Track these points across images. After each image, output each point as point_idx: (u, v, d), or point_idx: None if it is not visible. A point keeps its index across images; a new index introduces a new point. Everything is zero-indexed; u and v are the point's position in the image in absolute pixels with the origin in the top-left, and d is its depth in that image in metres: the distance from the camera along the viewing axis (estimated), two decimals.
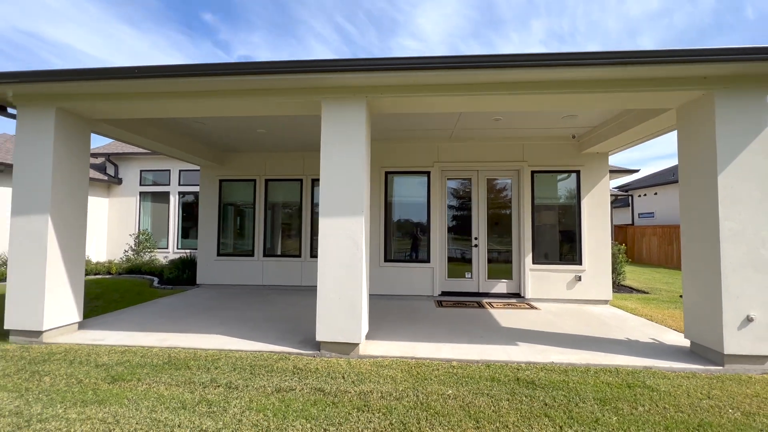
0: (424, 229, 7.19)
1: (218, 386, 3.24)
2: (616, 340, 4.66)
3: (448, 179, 7.30)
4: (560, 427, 2.60)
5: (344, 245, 4.12)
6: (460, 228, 7.30)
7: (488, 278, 7.13)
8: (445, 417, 2.73)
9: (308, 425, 2.62)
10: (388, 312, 6.01)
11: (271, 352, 4.14)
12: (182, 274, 8.83)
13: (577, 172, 6.89)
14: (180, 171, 13.03)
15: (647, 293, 8.22)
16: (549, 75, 3.90)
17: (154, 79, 4.14)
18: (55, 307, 4.58)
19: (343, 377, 3.46)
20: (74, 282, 4.83)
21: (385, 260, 7.18)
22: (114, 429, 2.57)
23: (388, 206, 7.29)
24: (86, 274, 9.85)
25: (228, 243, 8.62)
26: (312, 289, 8.02)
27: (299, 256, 8.23)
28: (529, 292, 6.86)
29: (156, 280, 9.24)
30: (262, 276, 8.27)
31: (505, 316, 5.74)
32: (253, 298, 7.18)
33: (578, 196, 6.88)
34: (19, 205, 4.54)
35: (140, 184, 13.18)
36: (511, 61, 3.72)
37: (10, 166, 10.00)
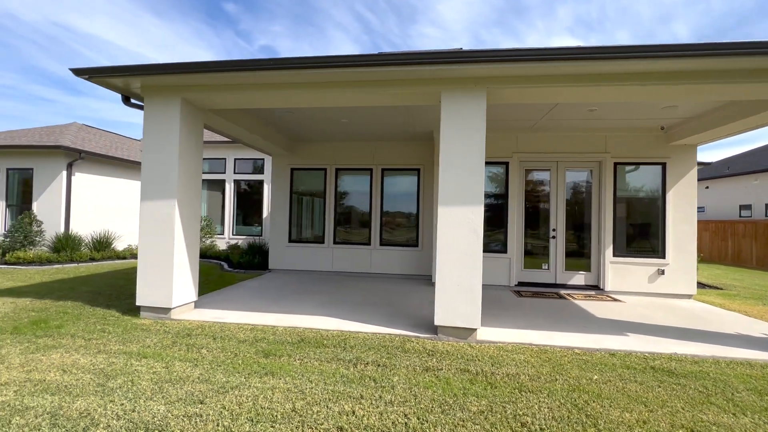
0: (502, 219, 7.23)
1: (367, 364, 3.43)
2: (725, 333, 4.64)
3: (526, 170, 7.28)
4: (734, 414, 2.66)
5: (463, 234, 4.23)
6: (537, 219, 7.30)
7: (565, 270, 7.14)
8: (610, 400, 2.84)
9: (483, 402, 2.77)
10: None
11: (391, 334, 4.32)
12: (253, 259, 9.18)
13: (663, 165, 6.76)
14: (235, 159, 13.40)
15: (721, 289, 8.06)
16: (676, 65, 3.86)
17: (279, 71, 4.30)
18: (180, 286, 4.90)
19: (478, 359, 3.60)
20: (192, 263, 5.14)
21: None
22: (303, 397, 2.78)
23: None
24: None
25: (299, 230, 8.88)
26: (380, 276, 8.22)
27: (368, 243, 8.42)
28: (609, 285, 6.84)
29: (225, 264, 9.63)
30: (332, 262, 8.51)
31: (595, 308, 5.77)
32: (331, 283, 7.43)
33: (663, 189, 6.76)
34: (149, 191, 4.83)
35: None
36: (644, 51, 3.69)
37: (125, 160, 10.58)
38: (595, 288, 7.00)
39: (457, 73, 4.18)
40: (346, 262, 8.47)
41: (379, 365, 3.42)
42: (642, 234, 6.89)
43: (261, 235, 13.00)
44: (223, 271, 8.88)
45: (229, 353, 3.61)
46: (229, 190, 13.41)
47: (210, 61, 4.33)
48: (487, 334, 4.38)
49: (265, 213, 13.10)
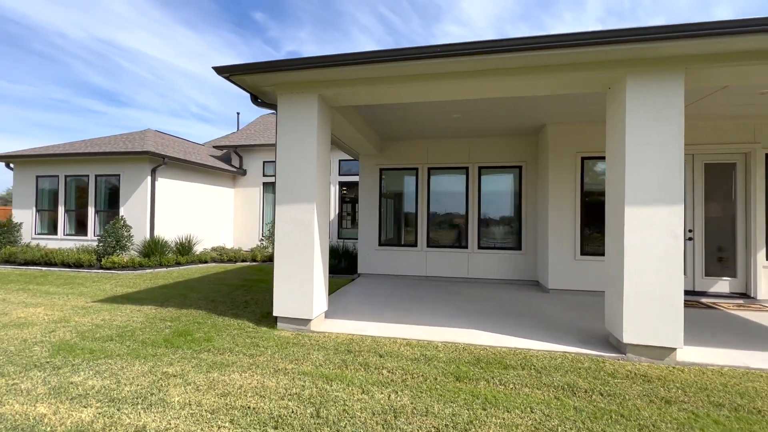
0: None
1: (586, 391, 2.94)
2: None
3: None
4: None
5: (659, 237, 3.65)
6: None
7: (705, 276, 6.36)
8: None
9: None
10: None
11: (567, 352, 3.80)
12: (339, 263, 8.89)
13: None
14: (340, 161, 13.27)
15: None
16: None
17: (427, 60, 3.85)
18: (318, 295, 4.59)
19: (716, 390, 3.02)
20: (324, 270, 4.82)
21: (581, 254, 6.64)
22: None
23: (584, 195, 6.71)
24: (234, 261, 10.30)
25: (389, 233, 8.52)
26: (479, 281, 7.70)
27: (465, 247, 7.92)
28: (762, 292, 6.01)
29: None
30: (425, 266, 8.08)
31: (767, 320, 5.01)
32: (433, 289, 6.99)
33: None
34: (286, 194, 4.55)
35: (263, 175, 13.61)
36: None
37: (200, 164, 10.71)
38: (744, 296, 6.18)
39: (650, 52, 3.61)
40: (440, 267, 8.01)
41: (602, 394, 2.91)
42: None
43: (356, 238, 12.76)
44: None
45: (415, 376, 3.21)
46: (333, 192, 13.28)
47: (357, 53, 3.96)
48: (687, 354, 3.77)
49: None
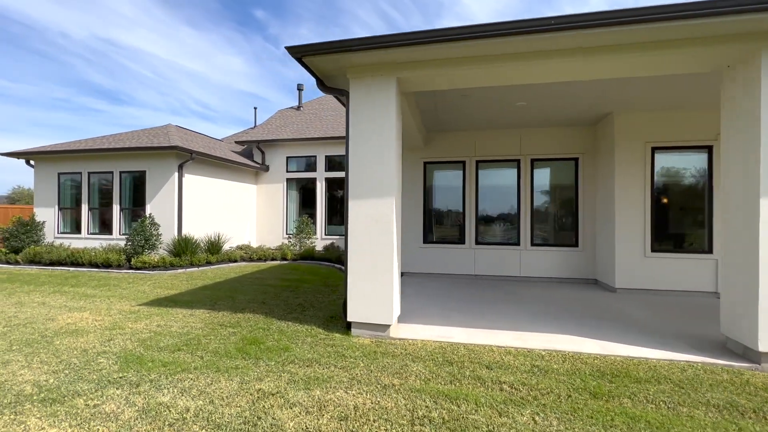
0: (702, 215, 6.13)
1: (755, 412, 2.53)
2: None
3: None
4: None
5: None
6: None
7: None
8: None
9: None
10: (704, 312, 5.10)
11: (690, 361, 3.40)
12: None
13: None
14: (326, 157, 12.85)
15: None
16: None
17: (538, 35, 3.43)
18: (396, 299, 4.19)
19: None
20: (398, 270, 4.42)
21: (652, 251, 6.22)
22: None
23: (656, 190, 6.28)
24: (264, 260, 9.91)
25: (433, 230, 8.11)
26: (531, 280, 7.29)
27: (517, 243, 7.51)
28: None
29: (342, 267, 9.01)
30: (473, 265, 7.67)
31: None
32: (489, 288, 6.58)
33: None
34: (360, 188, 4.14)
35: (286, 171, 13.21)
36: None
37: (226, 160, 10.35)
38: None
39: None
40: (489, 265, 7.60)
41: (751, 412, 2.51)
42: None
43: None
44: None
45: (544, 392, 2.81)
46: (320, 188, 12.88)
47: (449, 29, 3.53)
48: None
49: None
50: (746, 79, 3.49)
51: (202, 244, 9.53)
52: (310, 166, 13.09)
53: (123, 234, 9.90)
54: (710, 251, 6.06)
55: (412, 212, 8.03)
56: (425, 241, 7.97)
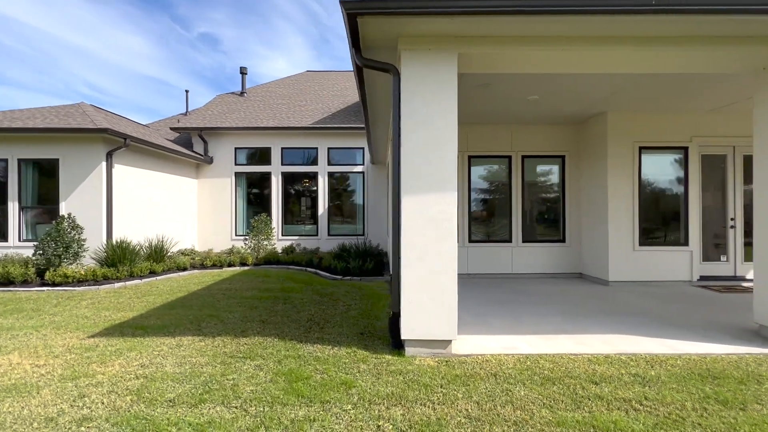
0: (679, 210, 6.67)
1: None
2: None
3: (702, 155, 6.74)
4: None
5: None
6: (714, 208, 6.82)
7: (745, 261, 6.76)
8: None
9: None
10: (702, 302, 5.49)
11: (752, 353, 3.48)
12: (364, 264, 7.79)
13: None
14: (282, 149, 11.65)
15: None
16: None
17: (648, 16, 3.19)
18: (456, 310, 3.65)
19: None
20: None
21: (640, 244, 6.59)
22: None
23: (642, 187, 6.66)
24: (218, 266, 8.56)
25: None
26: (523, 276, 7.33)
27: (509, 240, 7.47)
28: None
29: (321, 272, 8.12)
30: (467, 264, 7.43)
31: None
32: (492, 288, 6.38)
33: None
34: (414, 183, 3.50)
35: (235, 164, 11.66)
36: None
37: (169, 149, 8.35)
38: None
39: None
40: (482, 263, 7.43)
41: None
42: None
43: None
44: (332, 280, 7.42)
45: (668, 405, 2.54)
46: (276, 184, 11.64)
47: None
48: None
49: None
50: None
51: (142, 251, 7.79)
52: (264, 158, 11.74)
53: (25, 240, 7.66)
54: (686, 244, 6.63)
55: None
56: None
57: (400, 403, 2.59)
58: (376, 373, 3.08)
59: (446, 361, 3.34)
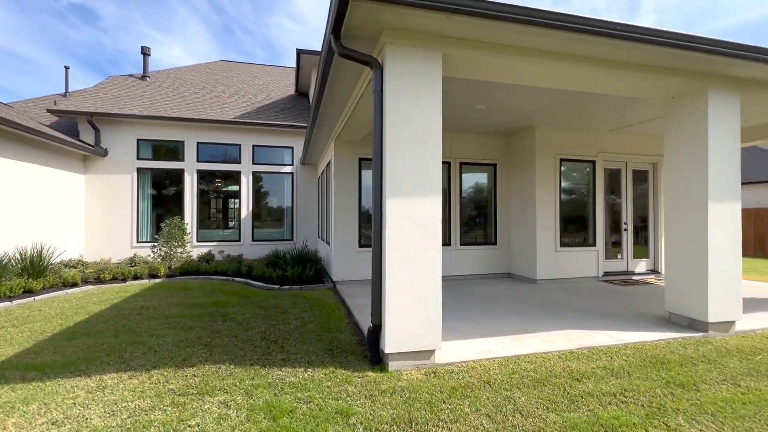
0: (588, 215, 7.66)
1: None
2: None
3: (605, 168, 7.85)
4: None
5: (729, 228, 4.31)
6: (611, 214, 7.98)
7: (633, 258, 8.05)
8: None
9: None
10: (613, 295, 6.34)
11: (673, 338, 4.08)
12: (304, 271, 7.25)
13: None
14: (198, 144, 10.34)
15: None
16: None
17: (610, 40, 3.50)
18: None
19: None
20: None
21: (561, 246, 7.38)
22: None
23: (561, 192, 7.47)
24: (120, 280, 7.22)
25: (367, 232, 7.46)
26: (461, 278, 7.66)
27: (449, 244, 7.71)
28: (664, 268, 8.05)
29: (256, 281, 7.32)
30: None
31: None
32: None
33: None
34: (399, 185, 3.31)
35: (138, 158, 9.94)
36: None
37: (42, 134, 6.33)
38: (654, 272, 8.12)
39: (742, 71, 4.15)
40: None
41: None
42: None
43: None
44: (269, 290, 6.73)
45: (645, 394, 2.80)
46: (191, 183, 10.26)
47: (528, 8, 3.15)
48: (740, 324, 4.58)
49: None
50: (691, 109, 4.43)
51: (11, 264, 6.02)
52: (175, 153, 10.25)
53: None
54: (594, 245, 7.65)
55: (347, 213, 7.19)
56: (360, 244, 7.26)
57: (412, 428, 2.35)
58: (368, 395, 2.78)
59: (434, 372, 3.19)
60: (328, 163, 7.97)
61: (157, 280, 7.39)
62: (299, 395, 2.76)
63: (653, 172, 8.23)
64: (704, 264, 4.26)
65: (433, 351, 3.39)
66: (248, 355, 3.55)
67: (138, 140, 9.91)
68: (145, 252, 9.36)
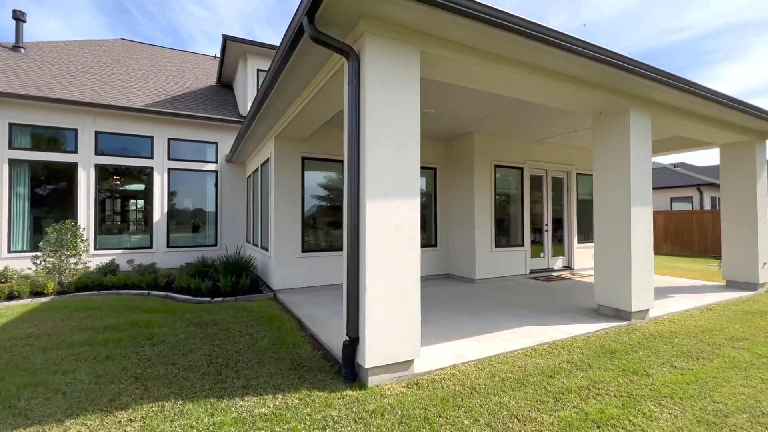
0: (518, 218, 8.29)
1: (700, 350, 3.71)
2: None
3: (530, 175, 8.57)
4: None
5: (647, 229, 4.98)
6: (534, 217, 8.75)
7: (552, 256, 8.94)
8: None
9: None
10: (543, 291, 6.92)
11: (609, 327, 4.55)
12: (239, 281, 6.51)
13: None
14: (97, 133, 8.72)
15: None
16: None
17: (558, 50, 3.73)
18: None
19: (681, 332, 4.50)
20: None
21: (496, 246, 7.84)
22: None
23: (496, 199, 7.94)
24: None
25: (312, 236, 7.01)
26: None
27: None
28: (576, 265, 9.10)
29: (180, 295, 6.34)
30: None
31: None
32: None
33: None
34: (379, 185, 3.10)
35: (10, 146, 7.98)
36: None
37: None
38: (568, 268, 9.13)
39: (658, 95, 4.83)
40: None
41: (699, 340, 3.76)
42: (589, 225, 9.49)
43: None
44: (199, 304, 5.88)
45: (610, 383, 3.03)
46: (86, 180, 8.58)
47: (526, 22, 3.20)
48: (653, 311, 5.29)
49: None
50: (616, 124, 5.02)
51: None
52: (65, 143, 8.47)
53: None
54: (523, 245, 8.30)
55: (289, 216, 6.67)
56: (303, 250, 6.79)
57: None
58: (356, 418, 2.51)
59: (416, 384, 3.04)
60: (265, 162, 7.33)
61: (45, 300, 5.95)
62: (277, 429, 2.37)
63: (567, 179, 9.27)
64: (628, 260, 4.85)
65: (412, 361, 3.23)
66: (197, 385, 2.97)
67: (11, 125, 7.94)
68: (23, 264, 7.52)
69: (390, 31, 3.12)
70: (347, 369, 3.13)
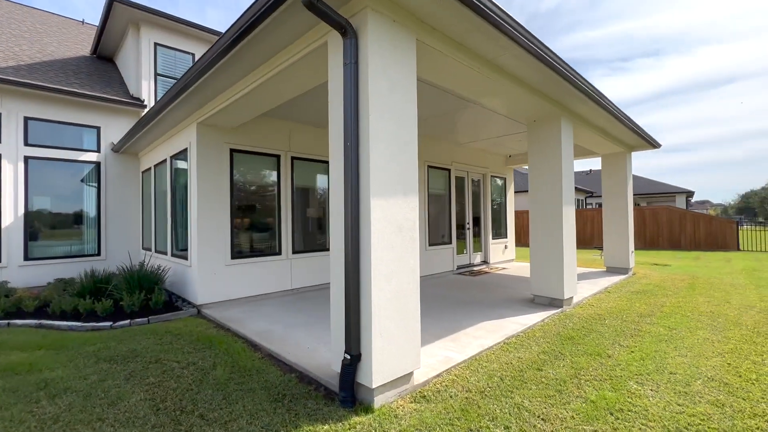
0: (445, 216, 8.66)
1: (614, 328, 4.30)
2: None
3: (456, 176, 9.03)
4: None
5: (571, 226, 5.66)
6: (458, 215, 9.27)
7: (473, 252, 9.60)
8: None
9: None
10: (475, 286, 7.35)
11: (549, 315, 5.03)
12: (151, 297, 5.27)
13: (504, 179, 10.65)
14: (27, 119, 6.39)
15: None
16: None
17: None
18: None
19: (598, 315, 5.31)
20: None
21: (429, 245, 8.05)
22: None
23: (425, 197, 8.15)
24: None
25: (243, 240, 6.10)
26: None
27: (327, 249, 7.20)
28: (491, 259, 9.98)
29: (60, 321, 4.82)
30: (290, 278, 6.58)
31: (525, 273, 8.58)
32: (313, 303, 5.98)
33: (504, 195, 10.67)
34: (381, 182, 2.83)
35: None
36: None
37: None
38: (485, 263, 9.94)
39: (579, 108, 5.51)
40: (308, 275, 6.81)
41: (621, 320, 4.39)
42: (498, 221, 10.49)
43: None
44: (97, 330, 4.56)
45: (576, 367, 3.31)
46: (13, 173, 6.00)
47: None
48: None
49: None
50: (550, 131, 5.58)
51: None
52: None
53: None
54: (450, 242, 8.70)
55: (216, 217, 5.70)
56: (233, 256, 5.88)
57: None
58: None
59: (423, 396, 2.82)
60: (178, 154, 6.14)
61: None
62: None
63: (483, 181, 10.08)
64: (560, 254, 5.43)
65: (412, 372, 3.00)
66: (189, 422, 2.23)
67: None
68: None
69: (391, 11, 2.83)
70: (345, 392, 2.73)
